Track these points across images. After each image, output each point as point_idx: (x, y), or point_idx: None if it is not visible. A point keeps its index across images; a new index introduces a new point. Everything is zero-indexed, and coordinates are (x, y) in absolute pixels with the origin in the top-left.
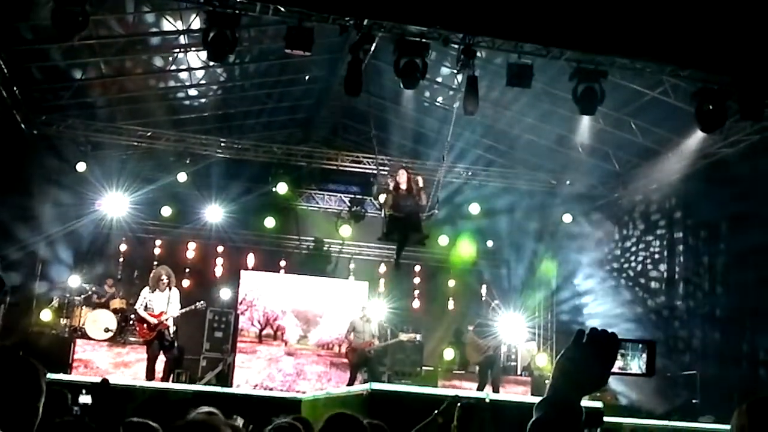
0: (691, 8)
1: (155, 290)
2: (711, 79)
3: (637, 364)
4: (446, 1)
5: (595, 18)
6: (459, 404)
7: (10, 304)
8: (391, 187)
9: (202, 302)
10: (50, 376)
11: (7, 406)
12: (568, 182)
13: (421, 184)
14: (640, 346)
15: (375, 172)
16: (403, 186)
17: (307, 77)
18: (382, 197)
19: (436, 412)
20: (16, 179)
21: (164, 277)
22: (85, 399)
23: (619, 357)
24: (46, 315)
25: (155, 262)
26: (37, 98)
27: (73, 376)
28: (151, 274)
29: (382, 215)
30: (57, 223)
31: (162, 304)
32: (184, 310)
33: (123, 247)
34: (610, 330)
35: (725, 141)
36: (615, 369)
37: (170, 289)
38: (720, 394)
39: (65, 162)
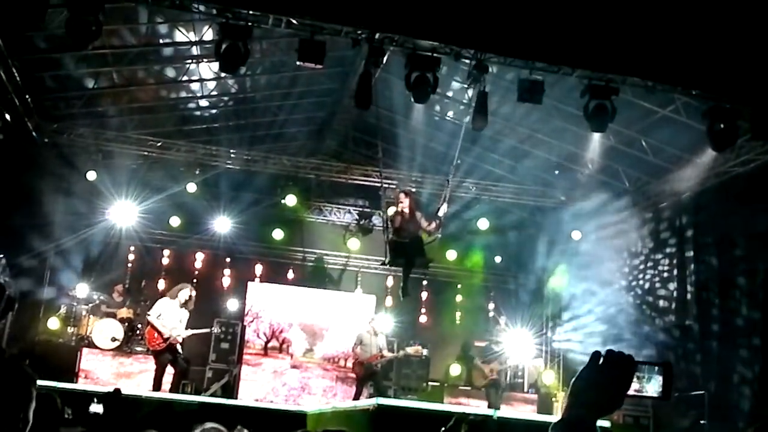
0: (700, 30)
1: (174, 300)
2: (722, 98)
3: (653, 386)
4: (458, 18)
5: (605, 40)
6: (466, 422)
7: (17, 311)
8: (393, 212)
9: (215, 327)
10: (57, 384)
11: None
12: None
13: (422, 207)
14: (657, 368)
15: (381, 185)
16: (406, 210)
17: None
18: (391, 210)
19: (443, 429)
20: (26, 187)
21: (184, 295)
22: (96, 408)
23: (635, 379)
24: (53, 323)
25: (163, 272)
26: (49, 107)
27: (85, 386)
28: (175, 288)
29: (385, 239)
30: (66, 231)
31: (174, 320)
32: (195, 332)
33: (131, 257)
34: (620, 351)
35: (737, 160)
36: (631, 391)
37: (186, 309)
38: (729, 416)
39: (76, 170)
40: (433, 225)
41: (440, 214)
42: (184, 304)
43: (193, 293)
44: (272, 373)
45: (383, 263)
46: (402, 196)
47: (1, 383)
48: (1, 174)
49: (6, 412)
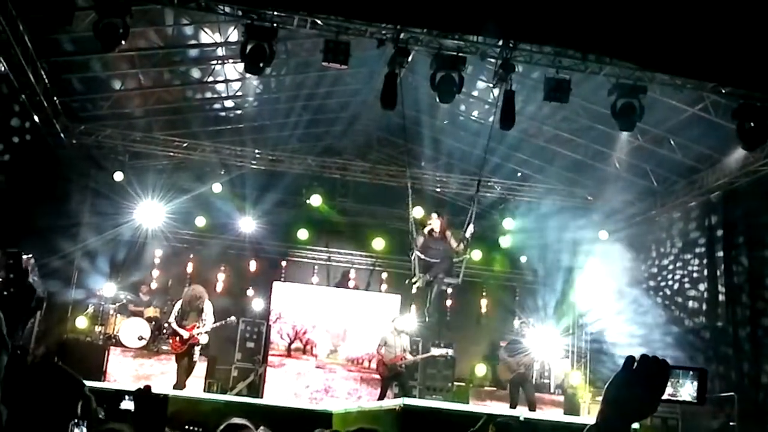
0: (730, 26)
1: (189, 307)
2: (752, 96)
3: (687, 391)
4: (485, 9)
5: (634, 36)
6: (493, 423)
7: (46, 311)
8: (424, 231)
9: (232, 318)
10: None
11: (42, 417)
12: (599, 197)
13: (453, 228)
14: (691, 373)
15: (408, 185)
16: (436, 229)
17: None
18: (417, 211)
19: (471, 430)
20: (54, 188)
21: (197, 298)
22: (128, 405)
23: (668, 384)
24: (81, 322)
25: (189, 272)
26: (77, 108)
27: (115, 384)
28: (187, 294)
29: (411, 256)
30: (94, 231)
31: (195, 319)
32: (215, 325)
33: (158, 257)
34: (654, 355)
35: (767, 159)
36: (665, 396)
37: (201, 306)
38: (759, 418)
39: (103, 171)
40: (462, 246)
41: (467, 234)
42: (198, 301)
43: (203, 292)
44: (296, 375)
45: (409, 282)
46: (434, 216)
47: (54, 391)
48: (29, 175)
49: (49, 417)
